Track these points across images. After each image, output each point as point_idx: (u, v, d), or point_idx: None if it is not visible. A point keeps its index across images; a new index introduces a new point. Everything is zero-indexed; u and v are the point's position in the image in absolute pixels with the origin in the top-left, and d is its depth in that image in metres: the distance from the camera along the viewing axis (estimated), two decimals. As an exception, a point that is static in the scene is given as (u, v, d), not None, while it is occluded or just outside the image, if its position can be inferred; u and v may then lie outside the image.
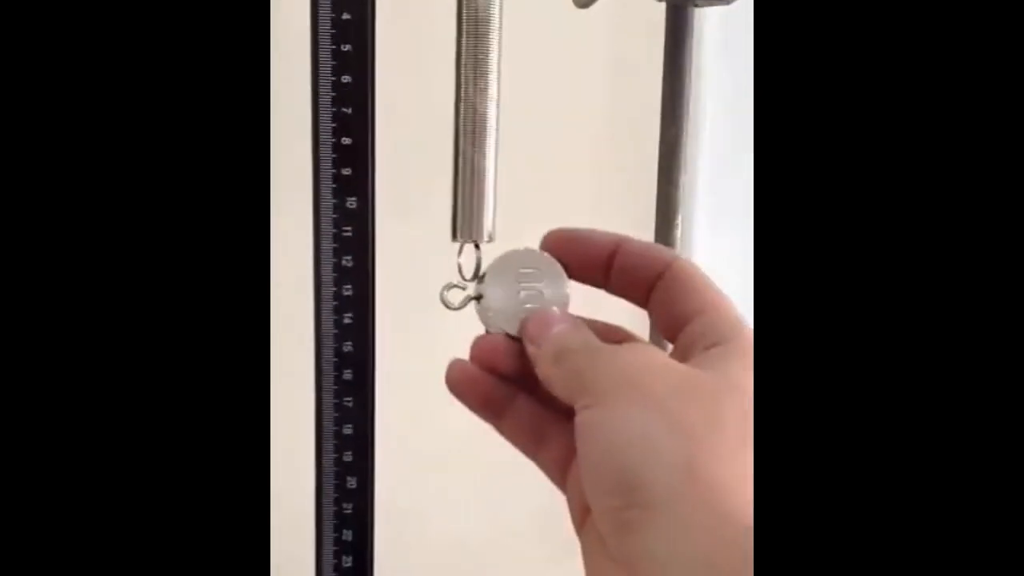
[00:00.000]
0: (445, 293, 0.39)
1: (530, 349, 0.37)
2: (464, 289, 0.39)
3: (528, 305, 0.38)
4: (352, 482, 0.48)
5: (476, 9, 0.39)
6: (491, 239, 0.40)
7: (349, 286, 0.48)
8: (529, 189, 0.64)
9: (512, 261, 0.39)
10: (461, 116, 0.40)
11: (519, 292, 0.38)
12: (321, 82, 0.47)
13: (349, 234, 0.48)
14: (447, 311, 0.39)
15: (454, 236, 0.40)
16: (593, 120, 0.93)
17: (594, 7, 0.54)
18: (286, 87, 0.51)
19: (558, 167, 0.90)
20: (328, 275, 0.48)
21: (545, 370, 0.36)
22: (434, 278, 0.40)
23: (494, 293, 0.38)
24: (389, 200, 0.50)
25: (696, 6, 0.54)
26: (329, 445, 0.48)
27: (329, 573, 0.49)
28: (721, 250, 0.88)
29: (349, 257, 0.48)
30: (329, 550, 0.48)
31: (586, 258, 0.38)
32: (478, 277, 0.39)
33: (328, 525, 0.48)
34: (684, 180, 0.55)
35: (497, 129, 0.41)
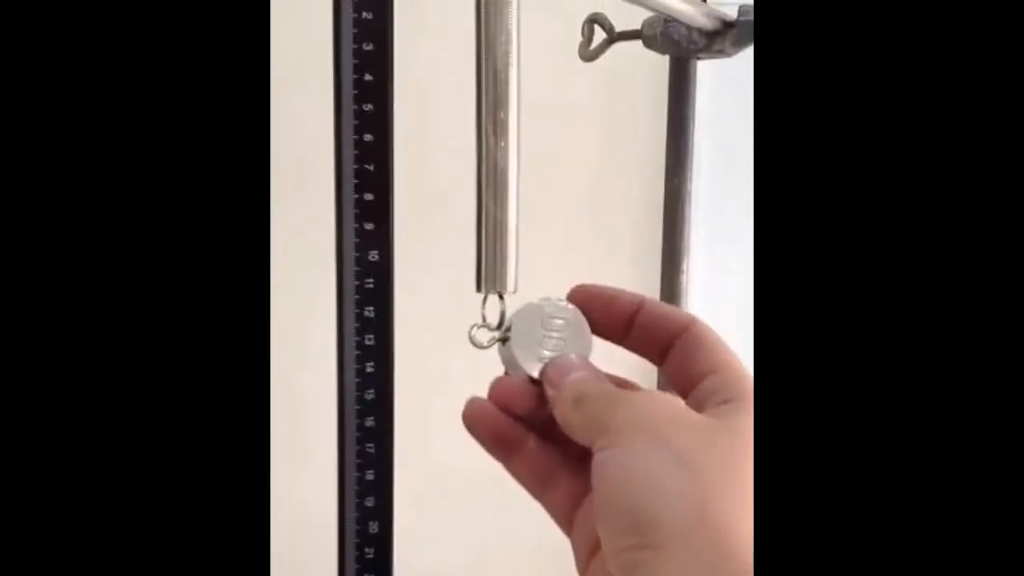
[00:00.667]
0: (474, 332, 0.41)
1: (550, 392, 0.38)
2: (491, 330, 0.41)
3: (551, 351, 0.39)
4: (374, 527, 0.50)
5: (495, 75, 0.41)
6: (515, 290, 0.42)
7: (371, 336, 0.50)
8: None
9: (539, 309, 0.40)
10: (483, 172, 0.42)
11: (543, 338, 0.40)
12: (343, 142, 0.49)
13: (371, 286, 0.50)
14: (465, 357, 0.41)
15: (478, 288, 0.42)
16: (595, 151, 0.95)
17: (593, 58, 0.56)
18: (313, 150, 0.53)
19: (557, 208, 0.91)
20: (351, 326, 0.50)
21: (564, 413, 0.37)
22: (453, 326, 0.41)
23: (520, 337, 0.40)
24: (408, 251, 0.52)
25: (699, 59, 0.56)
26: (351, 490, 0.50)
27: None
28: (717, 277, 0.90)
29: (371, 308, 0.50)
30: (351, 593, 0.49)
31: (609, 314, 0.40)
32: (506, 320, 0.41)
33: (350, 568, 0.49)
34: (685, 225, 0.56)
35: (518, 183, 0.42)
